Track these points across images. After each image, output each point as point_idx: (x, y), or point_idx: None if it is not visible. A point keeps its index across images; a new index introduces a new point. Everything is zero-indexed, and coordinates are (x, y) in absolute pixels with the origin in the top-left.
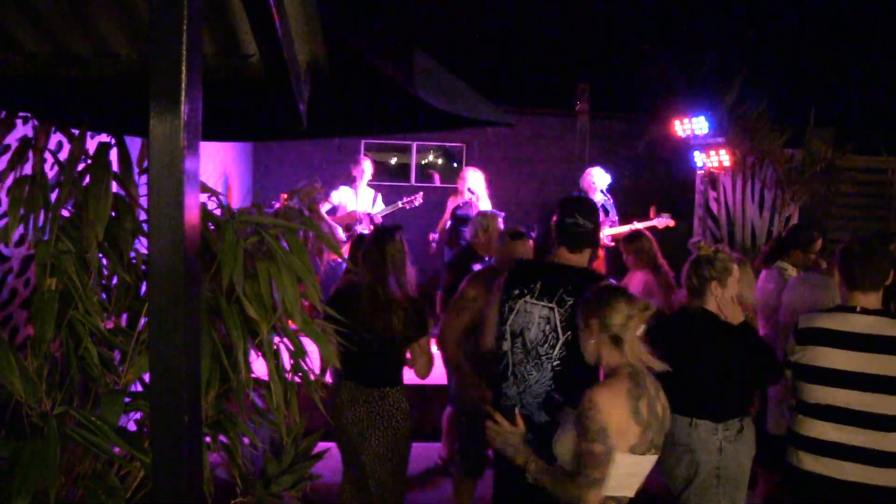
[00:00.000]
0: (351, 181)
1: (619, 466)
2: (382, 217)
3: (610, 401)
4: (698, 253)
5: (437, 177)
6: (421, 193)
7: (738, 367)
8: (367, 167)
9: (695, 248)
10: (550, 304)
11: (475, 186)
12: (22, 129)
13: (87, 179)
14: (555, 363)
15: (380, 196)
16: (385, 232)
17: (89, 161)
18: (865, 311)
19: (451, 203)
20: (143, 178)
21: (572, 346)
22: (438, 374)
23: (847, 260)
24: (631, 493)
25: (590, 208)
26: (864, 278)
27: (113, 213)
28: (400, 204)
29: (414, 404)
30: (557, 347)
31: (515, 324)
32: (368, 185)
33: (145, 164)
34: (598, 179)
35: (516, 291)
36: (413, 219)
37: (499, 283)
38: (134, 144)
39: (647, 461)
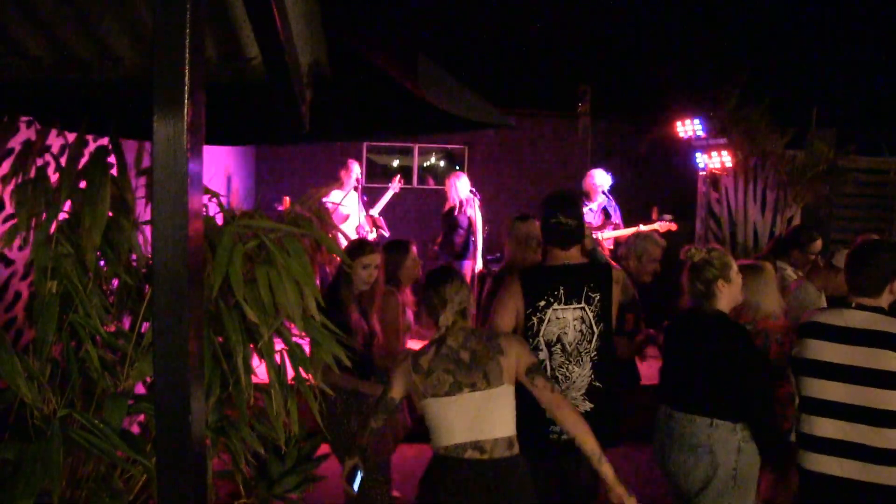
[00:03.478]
0: (340, 184)
1: (432, 411)
2: (380, 212)
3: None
4: (692, 259)
5: (431, 180)
6: (398, 175)
7: (754, 367)
8: (355, 170)
9: (687, 257)
10: (581, 305)
11: (466, 192)
12: (25, 133)
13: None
14: (593, 355)
15: (364, 197)
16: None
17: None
18: (861, 307)
19: (446, 208)
20: (141, 181)
21: (605, 336)
22: None
23: (849, 262)
24: (476, 437)
25: (571, 204)
26: (859, 281)
27: (111, 216)
28: (390, 192)
29: None
30: (594, 341)
31: (549, 333)
32: (361, 187)
33: (144, 165)
34: (600, 181)
35: (542, 302)
36: (418, 220)
37: (509, 291)
38: (129, 148)
39: (461, 400)
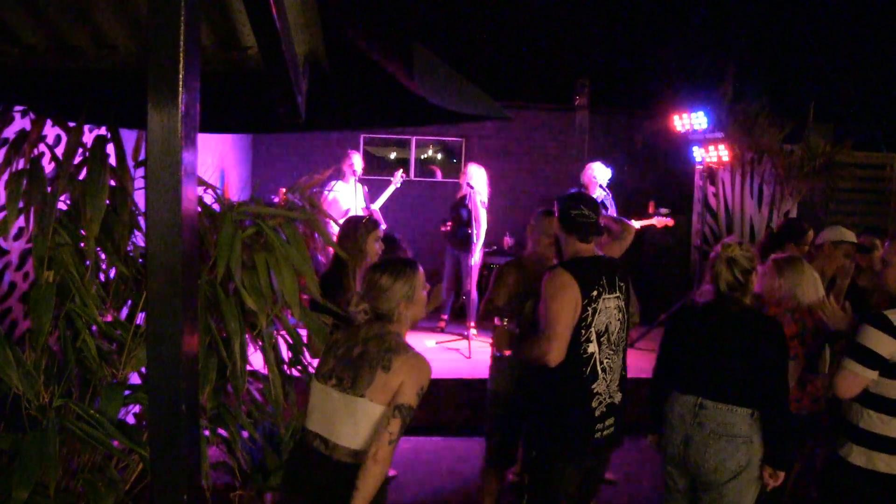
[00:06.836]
0: (341, 176)
1: (310, 388)
2: (381, 207)
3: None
4: (729, 251)
5: (438, 172)
6: (400, 170)
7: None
8: (356, 162)
9: (724, 248)
10: (617, 294)
11: (475, 181)
12: (19, 123)
13: (84, 173)
14: (625, 345)
15: (365, 189)
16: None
17: (86, 154)
18: None
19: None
20: (140, 171)
21: (628, 325)
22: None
23: None
24: (324, 432)
25: (591, 200)
26: None
27: (109, 206)
28: (392, 186)
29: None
30: (626, 331)
31: (600, 323)
32: (360, 179)
33: (142, 156)
34: (598, 174)
35: (595, 292)
36: (414, 213)
37: (565, 285)
38: (128, 138)
39: (325, 390)
